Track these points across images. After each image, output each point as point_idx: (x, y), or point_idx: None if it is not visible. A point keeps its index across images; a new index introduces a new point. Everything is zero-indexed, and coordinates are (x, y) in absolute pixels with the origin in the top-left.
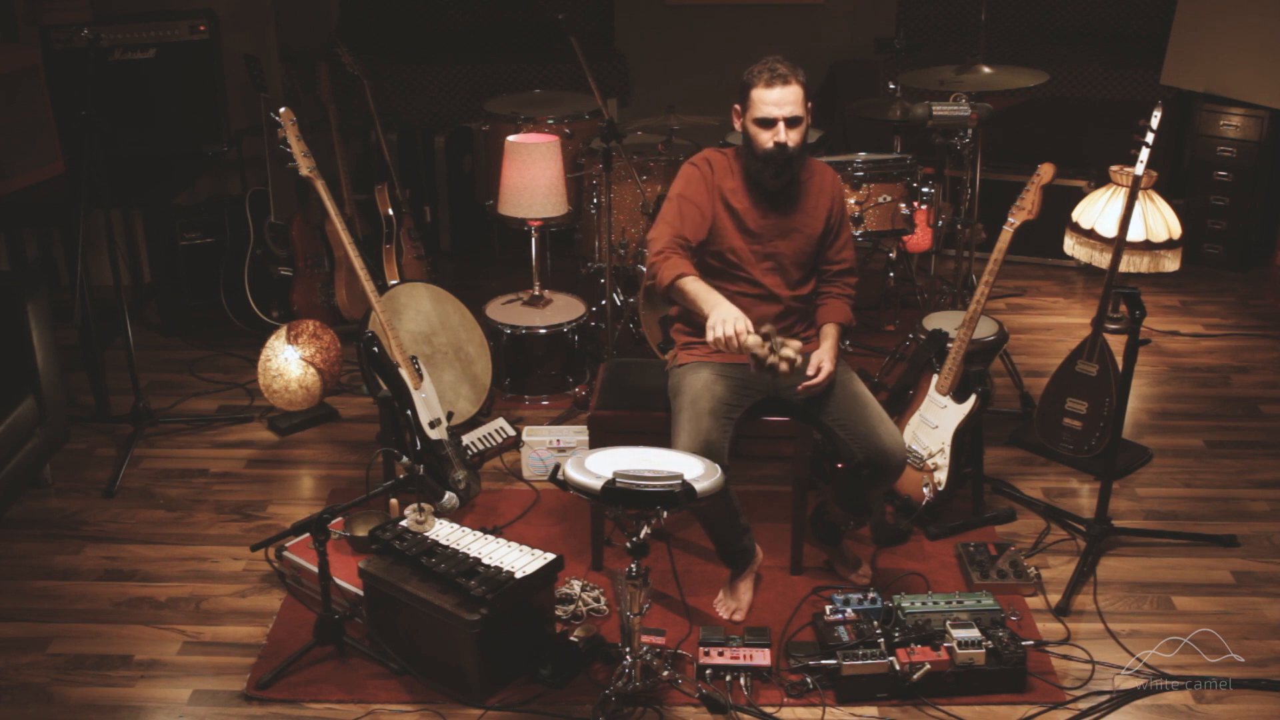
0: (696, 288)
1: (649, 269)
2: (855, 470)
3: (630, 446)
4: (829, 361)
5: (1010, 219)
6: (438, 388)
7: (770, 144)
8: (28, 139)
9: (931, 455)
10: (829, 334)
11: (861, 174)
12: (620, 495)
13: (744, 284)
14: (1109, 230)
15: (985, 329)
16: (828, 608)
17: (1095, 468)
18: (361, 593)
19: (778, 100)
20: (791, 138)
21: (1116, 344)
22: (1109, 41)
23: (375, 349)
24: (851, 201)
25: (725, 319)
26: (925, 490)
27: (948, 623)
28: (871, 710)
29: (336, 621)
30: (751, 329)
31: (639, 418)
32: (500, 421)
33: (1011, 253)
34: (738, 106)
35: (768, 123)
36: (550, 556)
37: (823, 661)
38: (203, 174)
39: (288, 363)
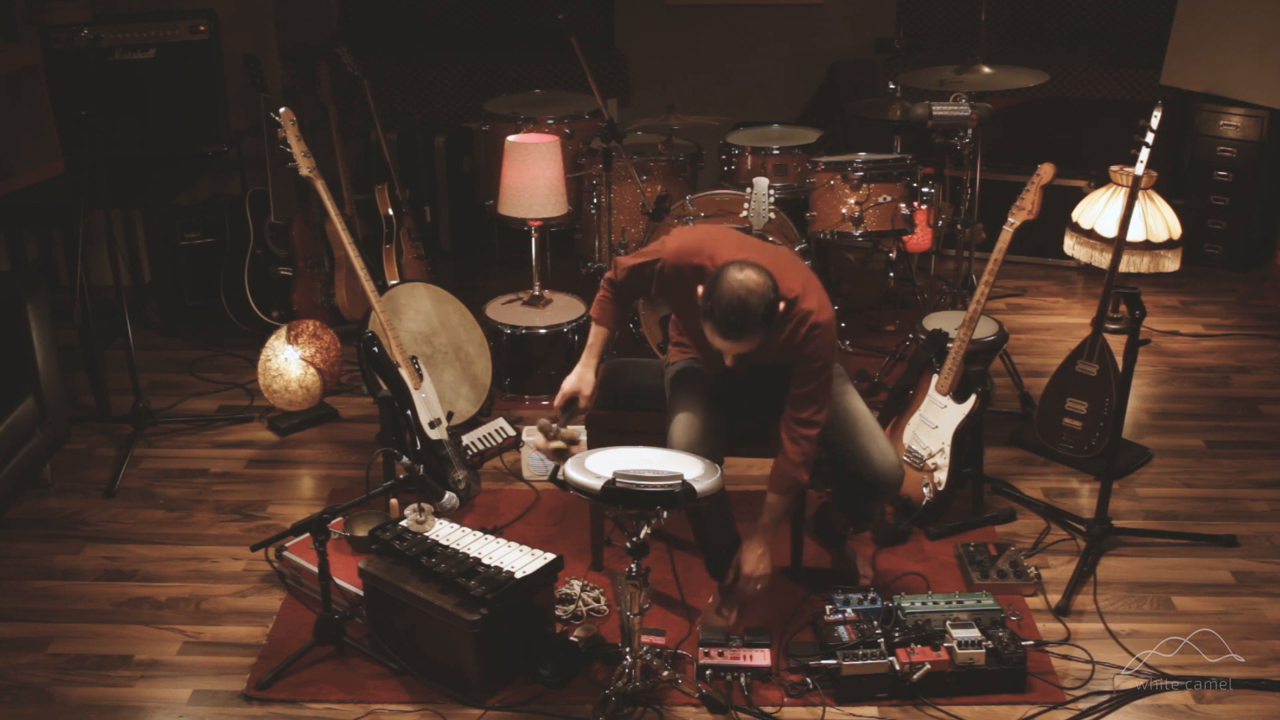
0: (591, 337)
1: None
2: (851, 482)
3: (630, 446)
4: (750, 562)
5: (1010, 219)
6: (438, 388)
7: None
8: (28, 139)
9: (931, 455)
10: (764, 510)
11: (861, 174)
12: (620, 495)
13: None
14: (1109, 230)
15: (985, 329)
16: (828, 608)
17: (1095, 468)
18: (361, 593)
19: (726, 347)
20: (741, 361)
21: (1116, 344)
22: (1109, 41)
23: (375, 349)
24: (851, 201)
25: (565, 384)
26: (925, 490)
27: (948, 623)
28: (871, 710)
29: (336, 621)
30: (560, 414)
31: (639, 418)
32: (500, 421)
33: (1011, 253)
34: (701, 290)
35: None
36: (550, 556)
37: (823, 661)
38: (203, 174)
39: (288, 363)
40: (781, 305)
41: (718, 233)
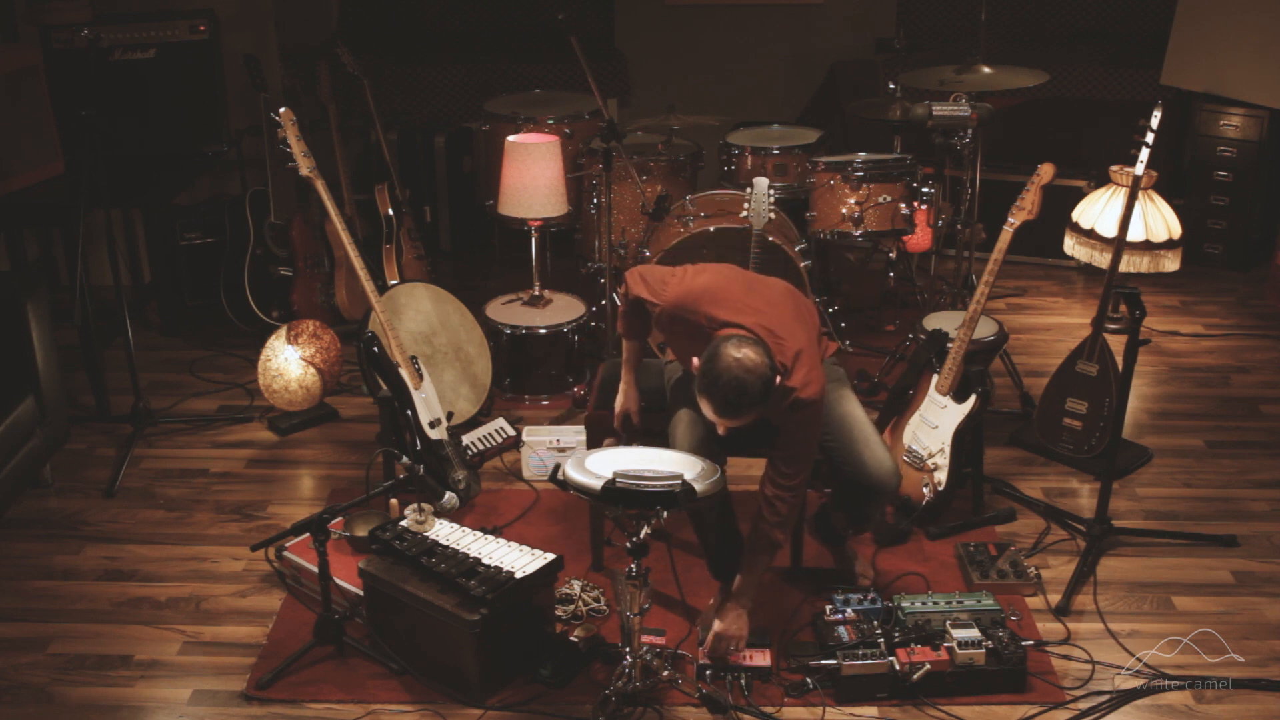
0: (625, 352)
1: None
2: (849, 485)
3: (630, 446)
4: (726, 621)
5: (1010, 219)
6: (438, 388)
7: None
8: (28, 139)
9: (931, 455)
10: (742, 571)
11: (861, 174)
12: (620, 495)
13: None
14: (1109, 230)
15: (985, 329)
16: (828, 608)
17: (1095, 468)
18: (361, 593)
19: (721, 422)
20: (733, 430)
21: (1116, 344)
22: (1109, 41)
23: (375, 349)
24: (851, 201)
25: (616, 406)
26: (925, 490)
27: (948, 623)
28: (871, 710)
29: (336, 621)
30: (620, 433)
31: (639, 417)
32: (500, 421)
33: (1011, 253)
34: (696, 362)
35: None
36: (550, 556)
37: (823, 661)
38: (203, 174)
39: (288, 363)
40: (778, 380)
41: (717, 286)
